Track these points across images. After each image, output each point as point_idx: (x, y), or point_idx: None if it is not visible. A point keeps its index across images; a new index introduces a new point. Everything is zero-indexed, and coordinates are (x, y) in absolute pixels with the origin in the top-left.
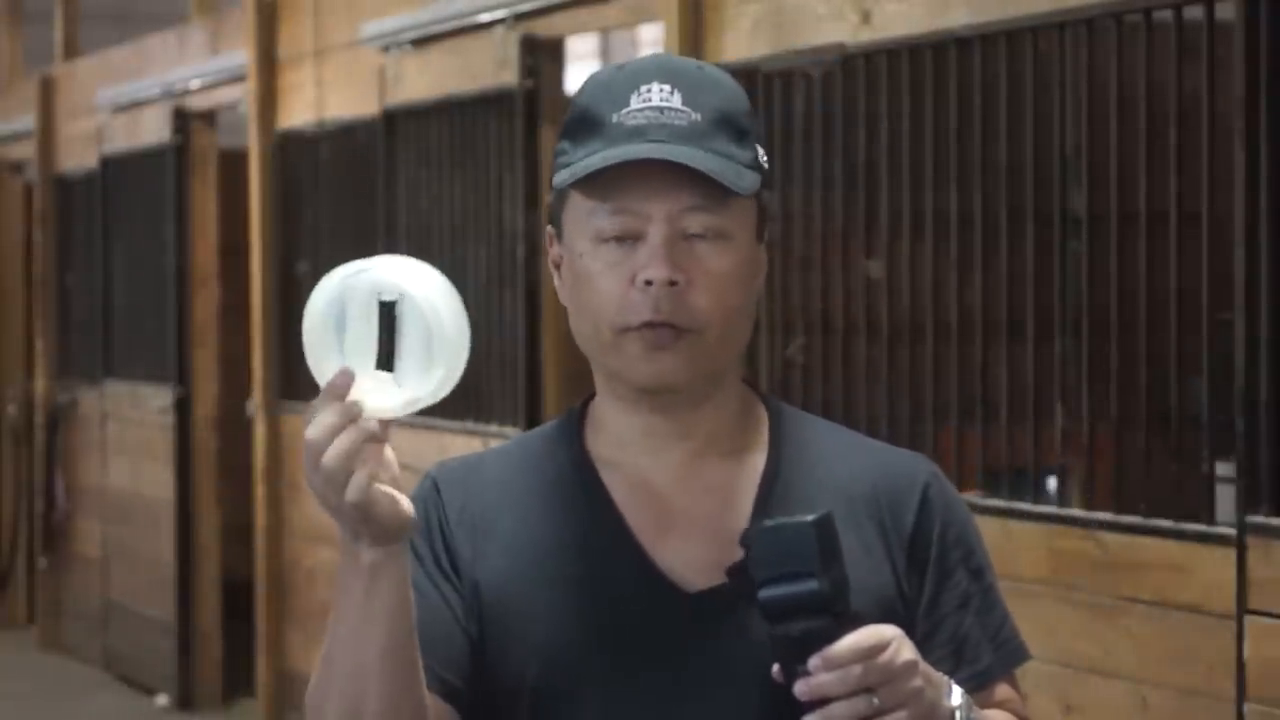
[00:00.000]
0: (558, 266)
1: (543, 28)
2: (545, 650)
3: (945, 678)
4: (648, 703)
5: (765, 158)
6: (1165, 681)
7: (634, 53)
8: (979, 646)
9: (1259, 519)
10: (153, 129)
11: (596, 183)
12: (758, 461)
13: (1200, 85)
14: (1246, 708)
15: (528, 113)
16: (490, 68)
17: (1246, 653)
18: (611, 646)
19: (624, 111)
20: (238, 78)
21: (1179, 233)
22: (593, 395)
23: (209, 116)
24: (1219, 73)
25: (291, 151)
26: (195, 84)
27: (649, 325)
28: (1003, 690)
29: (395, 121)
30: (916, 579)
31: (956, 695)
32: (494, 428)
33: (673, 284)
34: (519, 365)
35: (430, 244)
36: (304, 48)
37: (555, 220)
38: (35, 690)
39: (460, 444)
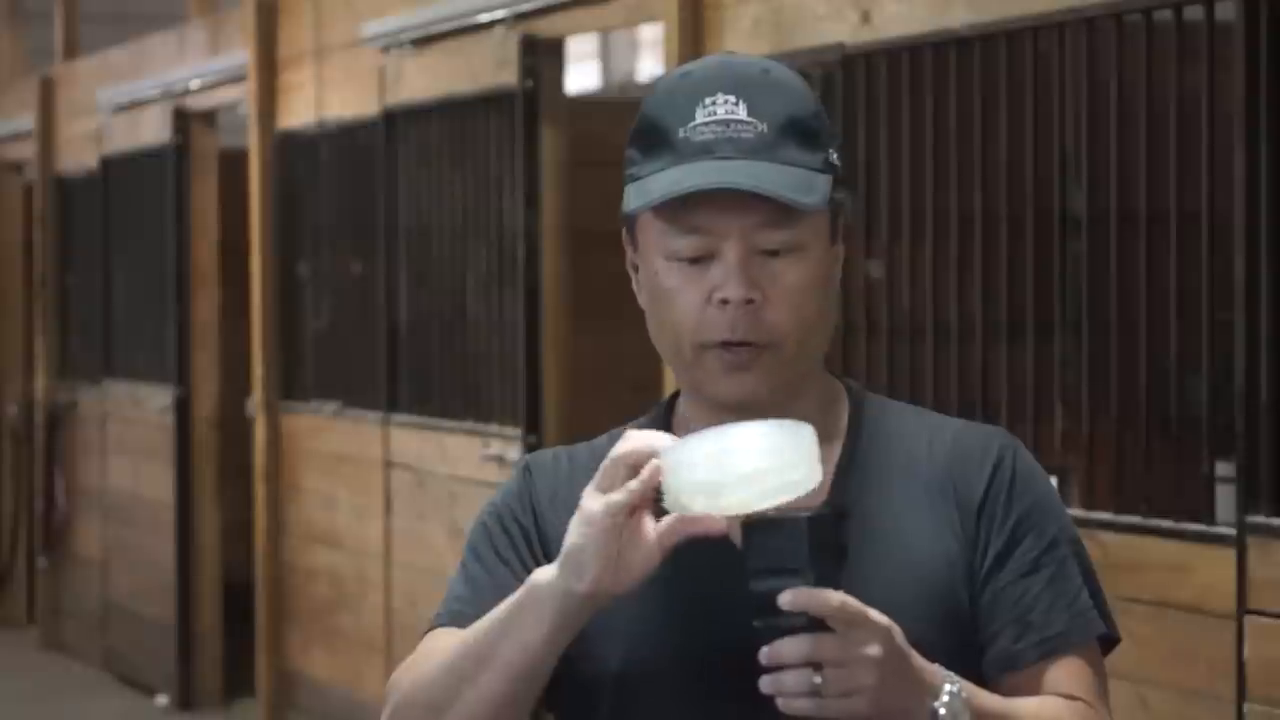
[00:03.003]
0: (635, 269)
1: (543, 28)
2: (629, 634)
3: (942, 680)
4: (728, 684)
5: (837, 156)
6: (1165, 681)
7: (634, 53)
8: (1049, 613)
9: (1259, 519)
10: (153, 129)
11: (667, 204)
12: (836, 448)
13: (1200, 85)
14: (1246, 708)
15: (528, 113)
16: (490, 68)
17: (1246, 653)
18: (691, 630)
19: (690, 126)
20: (238, 78)
21: (1179, 233)
22: (678, 392)
23: (209, 116)
24: (1219, 73)
25: (291, 151)
26: (195, 84)
27: (726, 345)
28: (1072, 665)
29: (395, 121)
30: (983, 549)
31: (945, 695)
32: (494, 427)
33: (749, 302)
34: (519, 365)
35: (430, 244)
36: (304, 48)
37: (628, 225)
38: (35, 690)
39: (460, 444)
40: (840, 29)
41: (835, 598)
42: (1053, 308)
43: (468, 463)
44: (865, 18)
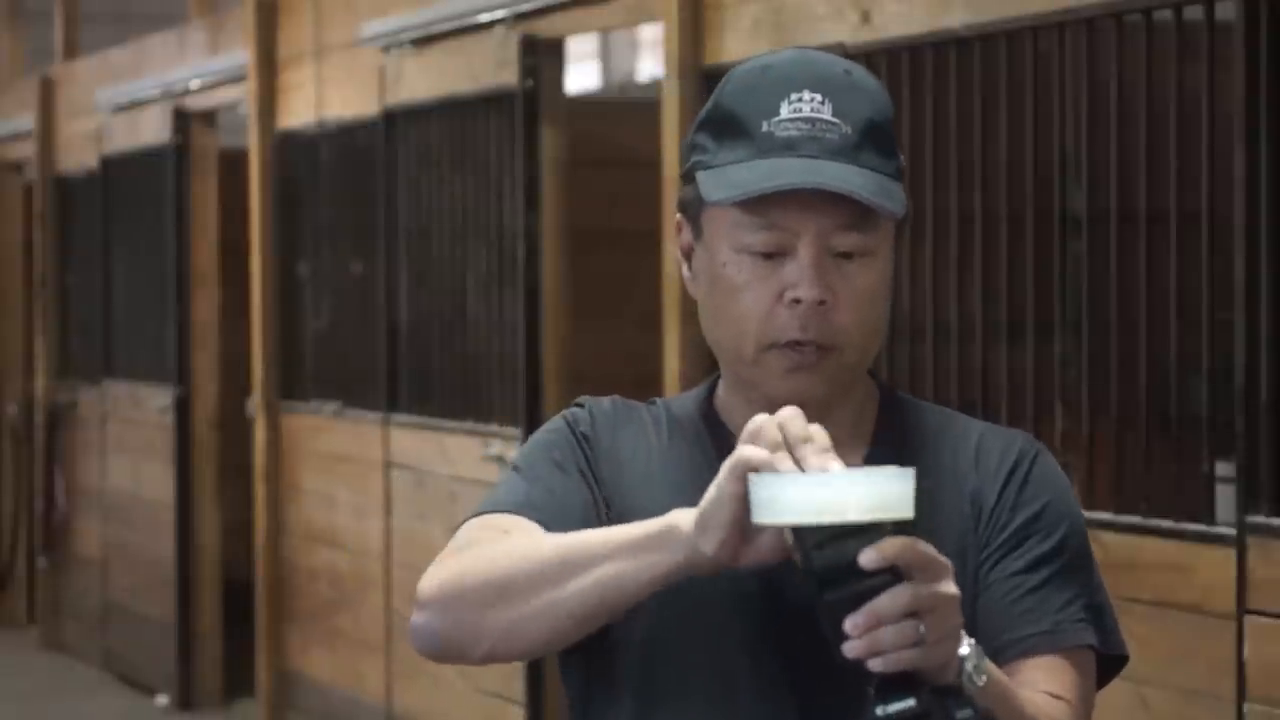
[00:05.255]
0: (687, 256)
1: (543, 28)
2: (656, 601)
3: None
4: (753, 644)
5: (904, 160)
6: (1165, 681)
7: (634, 53)
8: (1034, 613)
9: (1259, 519)
10: (153, 129)
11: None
12: (864, 444)
13: (1200, 85)
14: (1246, 708)
15: (528, 113)
16: (490, 68)
17: (1246, 653)
18: (722, 594)
19: (774, 120)
20: (238, 78)
21: (1179, 233)
22: (718, 378)
23: (209, 116)
24: (1219, 73)
25: (291, 151)
26: (195, 84)
27: (794, 344)
28: (1053, 664)
29: (395, 121)
30: (984, 547)
31: (965, 645)
32: (494, 427)
33: (821, 303)
34: (519, 365)
35: (430, 244)
36: (304, 48)
37: (688, 210)
38: (35, 690)
39: (460, 444)
40: (840, 29)
41: (914, 542)
42: (1053, 308)
43: (468, 463)
44: (865, 18)
